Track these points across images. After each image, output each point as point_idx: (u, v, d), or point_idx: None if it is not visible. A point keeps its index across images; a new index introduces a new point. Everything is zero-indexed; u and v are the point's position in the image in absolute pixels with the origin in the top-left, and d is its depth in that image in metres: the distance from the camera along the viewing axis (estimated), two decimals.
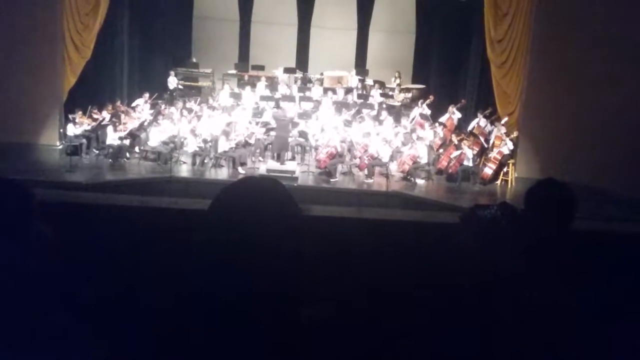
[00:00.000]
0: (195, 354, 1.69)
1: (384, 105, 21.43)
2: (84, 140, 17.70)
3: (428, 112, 20.85)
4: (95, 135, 18.21)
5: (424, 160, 17.59)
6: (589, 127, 16.99)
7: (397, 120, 20.11)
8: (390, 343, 2.29)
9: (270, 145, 18.53)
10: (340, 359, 1.77)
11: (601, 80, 16.85)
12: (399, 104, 22.52)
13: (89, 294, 2.75)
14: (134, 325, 1.85)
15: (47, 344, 2.07)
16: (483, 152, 18.77)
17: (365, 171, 17.33)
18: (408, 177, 17.41)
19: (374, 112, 20.58)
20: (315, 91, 22.07)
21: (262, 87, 21.98)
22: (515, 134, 18.28)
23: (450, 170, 17.71)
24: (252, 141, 17.92)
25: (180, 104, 20.30)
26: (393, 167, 17.61)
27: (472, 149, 17.82)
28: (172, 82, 22.67)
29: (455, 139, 18.36)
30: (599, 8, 16.86)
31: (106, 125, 17.94)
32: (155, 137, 17.74)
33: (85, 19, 18.73)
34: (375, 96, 22.06)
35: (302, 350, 1.72)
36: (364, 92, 22.66)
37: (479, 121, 19.59)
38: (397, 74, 24.18)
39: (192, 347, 1.69)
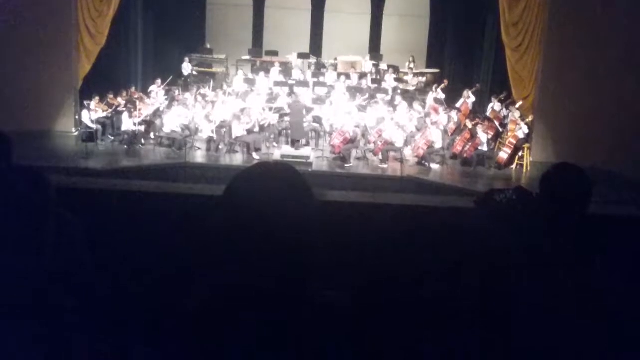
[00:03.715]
0: (210, 338, 1.70)
1: (398, 90, 21.36)
2: (100, 127, 17.78)
3: (442, 96, 20.78)
4: (111, 122, 18.30)
5: (438, 145, 17.53)
6: (605, 111, 16.86)
7: (411, 105, 20.03)
8: (405, 329, 2.30)
9: (285, 131, 18.53)
10: (354, 346, 1.77)
11: (617, 64, 16.70)
12: (413, 88, 22.43)
13: (105, 278, 2.77)
14: (147, 308, 1.86)
15: (66, 327, 2.10)
16: (498, 137, 18.69)
17: (380, 156, 17.30)
18: (423, 162, 17.37)
19: (388, 97, 20.52)
20: (329, 76, 22.03)
21: (276, 72, 21.97)
22: (530, 118, 18.19)
23: (465, 155, 17.65)
24: (265, 126, 17.94)
25: (194, 90, 20.34)
26: (407, 152, 17.56)
27: (487, 134, 17.75)
28: (187, 68, 22.72)
29: (469, 124, 18.28)
30: None
31: (121, 112, 18.02)
32: (170, 123, 17.79)
33: (100, 6, 18.76)
34: (389, 81, 22.01)
35: (315, 336, 1.73)
36: (378, 77, 22.60)
37: (494, 105, 19.52)
38: (411, 59, 24.09)
39: (206, 330, 1.70)
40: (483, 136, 17.51)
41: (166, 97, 19.61)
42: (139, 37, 21.78)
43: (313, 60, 23.83)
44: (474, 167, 17.34)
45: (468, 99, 20.30)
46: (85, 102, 18.03)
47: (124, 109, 18.07)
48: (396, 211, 4.62)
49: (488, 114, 19.39)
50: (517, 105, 18.61)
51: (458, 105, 20.23)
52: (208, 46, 24.40)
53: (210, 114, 18.12)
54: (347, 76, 21.92)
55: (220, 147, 17.62)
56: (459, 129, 19.12)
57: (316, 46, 25.06)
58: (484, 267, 2.81)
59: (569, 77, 17.44)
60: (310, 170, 16.09)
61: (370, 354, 1.82)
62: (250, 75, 22.08)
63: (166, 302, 1.79)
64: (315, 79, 21.60)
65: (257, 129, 17.61)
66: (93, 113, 17.78)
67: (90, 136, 16.62)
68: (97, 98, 18.07)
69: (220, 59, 24.05)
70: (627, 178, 15.48)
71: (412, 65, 23.87)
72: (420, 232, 4.05)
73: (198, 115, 18.18)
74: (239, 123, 17.36)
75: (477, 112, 20.32)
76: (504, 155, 17.48)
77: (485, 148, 17.58)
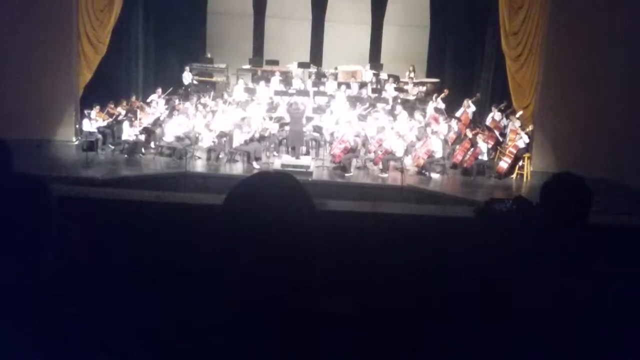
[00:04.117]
0: (210, 347, 1.70)
1: (399, 100, 21.38)
2: (100, 136, 17.80)
3: (442, 106, 20.80)
4: (111, 131, 18.32)
5: (438, 154, 17.54)
6: (605, 120, 16.87)
7: (412, 114, 20.05)
8: (405, 338, 2.30)
9: (285, 140, 18.54)
10: (355, 355, 1.77)
11: (617, 73, 16.72)
12: (414, 98, 22.45)
13: (105, 287, 2.77)
14: (147, 316, 1.86)
15: (63, 339, 2.09)
16: (498, 146, 18.69)
17: (380, 165, 17.30)
18: (423, 172, 17.37)
19: (389, 107, 20.54)
20: (330, 86, 22.06)
21: (276, 81, 21.99)
22: (530, 127, 18.18)
23: (465, 164, 17.65)
24: (266, 136, 17.95)
25: (195, 99, 20.36)
26: (408, 162, 17.56)
27: (487, 143, 17.75)
28: (187, 77, 22.74)
29: (470, 133, 18.29)
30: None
31: (122, 121, 18.04)
32: (171, 133, 17.81)
33: (100, 15, 18.83)
34: (390, 90, 22.03)
35: (316, 345, 1.73)
36: (378, 87, 22.62)
37: (494, 115, 19.52)
38: (411, 68, 24.11)
39: (206, 339, 1.70)
40: (483, 145, 17.51)
41: (166, 106, 19.64)
42: (140, 46, 21.83)
43: (313, 69, 23.83)
44: (474, 176, 17.34)
45: (468, 108, 20.32)
46: (86, 111, 18.05)
47: (125, 118, 18.10)
48: (396, 220, 4.62)
49: (488, 123, 19.40)
50: (518, 115, 18.62)
51: (458, 114, 20.24)
52: (208, 55, 24.42)
53: (210, 123, 18.15)
54: (348, 85, 21.95)
55: (220, 156, 17.64)
56: (459, 138, 19.13)
57: (316, 55, 25.07)
58: (484, 276, 2.81)
59: (569, 86, 17.45)
60: (310, 179, 16.09)
61: None
62: (250, 85, 22.10)
63: (166, 311, 1.79)
64: (316, 88, 21.61)
65: (257, 138, 17.62)
66: (94, 122, 17.81)
67: (90, 145, 16.64)
68: (98, 107, 18.10)
69: (220, 68, 24.06)
70: (627, 187, 15.49)
71: (412, 75, 23.90)
72: (420, 241, 4.05)
73: (198, 124, 18.20)
74: (240, 132, 17.39)
75: (477, 121, 20.34)
76: (504, 164, 17.48)
77: (485, 157, 17.58)
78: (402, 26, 25.72)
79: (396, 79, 23.33)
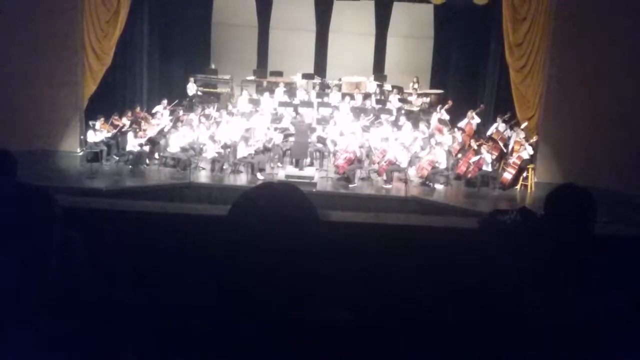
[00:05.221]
0: (213, 356, 1.69)
1: (402, 111, 21.38)
2: (104, 147, 17.83)
3: (446, 117, 20.80)
4: (116, 142, 18.36)
5: (442, 165, 17.53)
6: (609, 132, 16.86)
7: (416, 125, 20.06)
8: (406, 350, 2.29)
9: (289, 151, 18.56)
10: None
11: (621, 84, 16.72)
12: (417, 109, 22.47)
13: (109, 299, 2.77)
14: (151, 328, 1.86)
15: (68, 347, 2.09)
16: (502, 157, 18.66)
17: (384, 176, 17.30)
18: (427, 183, 17.36)
19: (392, 118, 20.55)
20: (334, 97, 22.07)
21: (280, 93, 22.01)
22: (534, 138, 18.16)
23: (469, 175, 17.62)
24: (270, 147, 17.96)
25: (199, 110, 20.40)
26: (412, 173, 17.56)
27: (491, 154, 17.73)
28: (191, 88, 22.77)
29: (474, 144, 18.28)
30: (618, 11, 16.75)
31: (126, 132, 18.08)
32: (175, 144, 17.83)
33: (105, 27, 18.89)
34: (394, 101, 22.02)
35: (318, 354, 1.72)
36: (382, 98, 22.63)
37: (498, 126, 19.50)
38: (415, 79, 24.12)
39: (208, 348, 1.70)
40: (487, 156, 17.49)
41: (171, 117, 19.67)
42: (144, 57, 21.88)
43: (317, 80, 23.84)
44: (478, 187, 17.32)
45: (472, 119, 20.31)
46: (91, 123, 18.10)
47: (129, 129, 18.14)
48: (400, 231, 4.61)
49: (492, 134, 19.38)
50: (522, 126, 18.59)
51: (462, 125, 20.23)
52: (213, 67, 24.46)
53: (214, 134, 18.18)
54: (352, 96, 21.95)
55: (224, 167, 17.65)
56: (463, 149, 19.12)
57: (320, 67, 25.09)
58: (488, 288, 2.80)
59: (573, 97, 17.46)
60: (314, 190, 16.09)
61: None
62: (254, 96, 22.12)
63: (170, 320, 1.79)
64: (320, 100, 21.65)
65: (261, 150, 17.64)
66: (98, 133, 17.85)
67: (95, 156, 16.68)
68: (102, 118, 18.14)
69: (225, 80, 24.09)
70: (631, 198, 15.44)
71: (416, 86, 23.90)
72: (424, 252, 4.04)
73: (202, 135, 18.23)
74: (245, 145, 17.40)
75: (482, 132, 20.33)
76: (508, 175, 17.46)
77: (489, 168, 17.56)
78: (406, 37, 25.76)
79: (400, 90, 23.32)
